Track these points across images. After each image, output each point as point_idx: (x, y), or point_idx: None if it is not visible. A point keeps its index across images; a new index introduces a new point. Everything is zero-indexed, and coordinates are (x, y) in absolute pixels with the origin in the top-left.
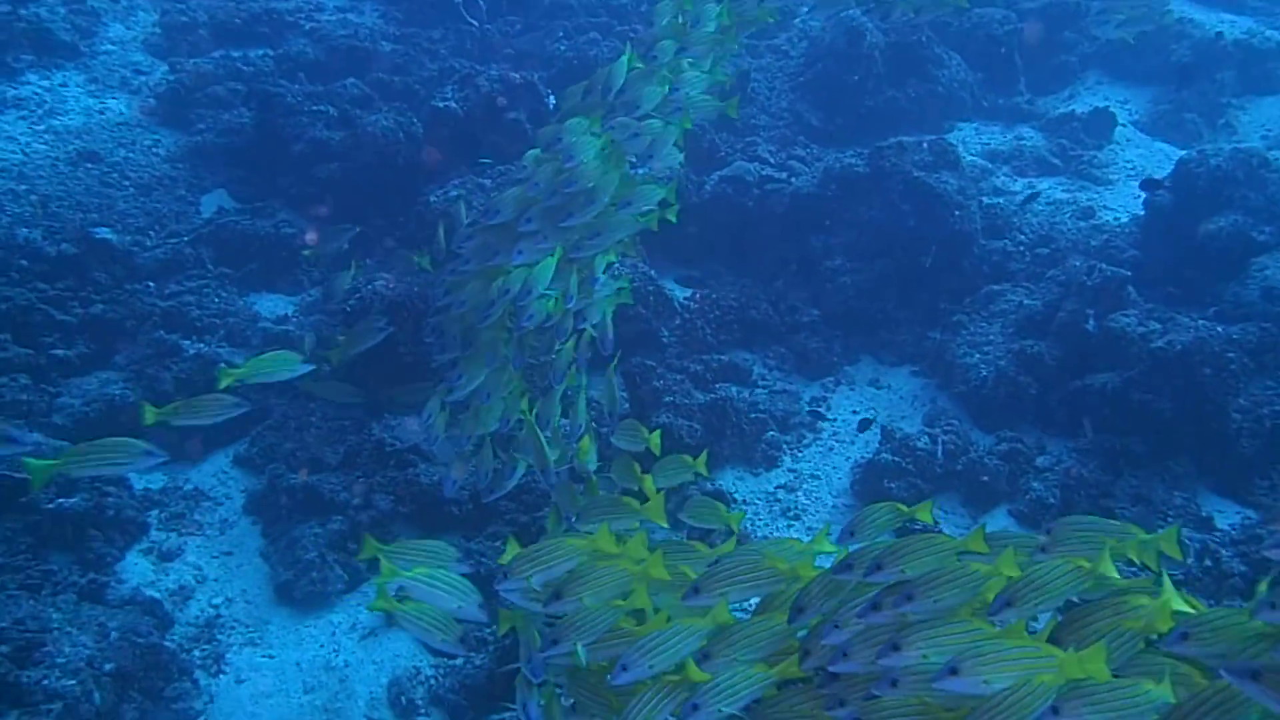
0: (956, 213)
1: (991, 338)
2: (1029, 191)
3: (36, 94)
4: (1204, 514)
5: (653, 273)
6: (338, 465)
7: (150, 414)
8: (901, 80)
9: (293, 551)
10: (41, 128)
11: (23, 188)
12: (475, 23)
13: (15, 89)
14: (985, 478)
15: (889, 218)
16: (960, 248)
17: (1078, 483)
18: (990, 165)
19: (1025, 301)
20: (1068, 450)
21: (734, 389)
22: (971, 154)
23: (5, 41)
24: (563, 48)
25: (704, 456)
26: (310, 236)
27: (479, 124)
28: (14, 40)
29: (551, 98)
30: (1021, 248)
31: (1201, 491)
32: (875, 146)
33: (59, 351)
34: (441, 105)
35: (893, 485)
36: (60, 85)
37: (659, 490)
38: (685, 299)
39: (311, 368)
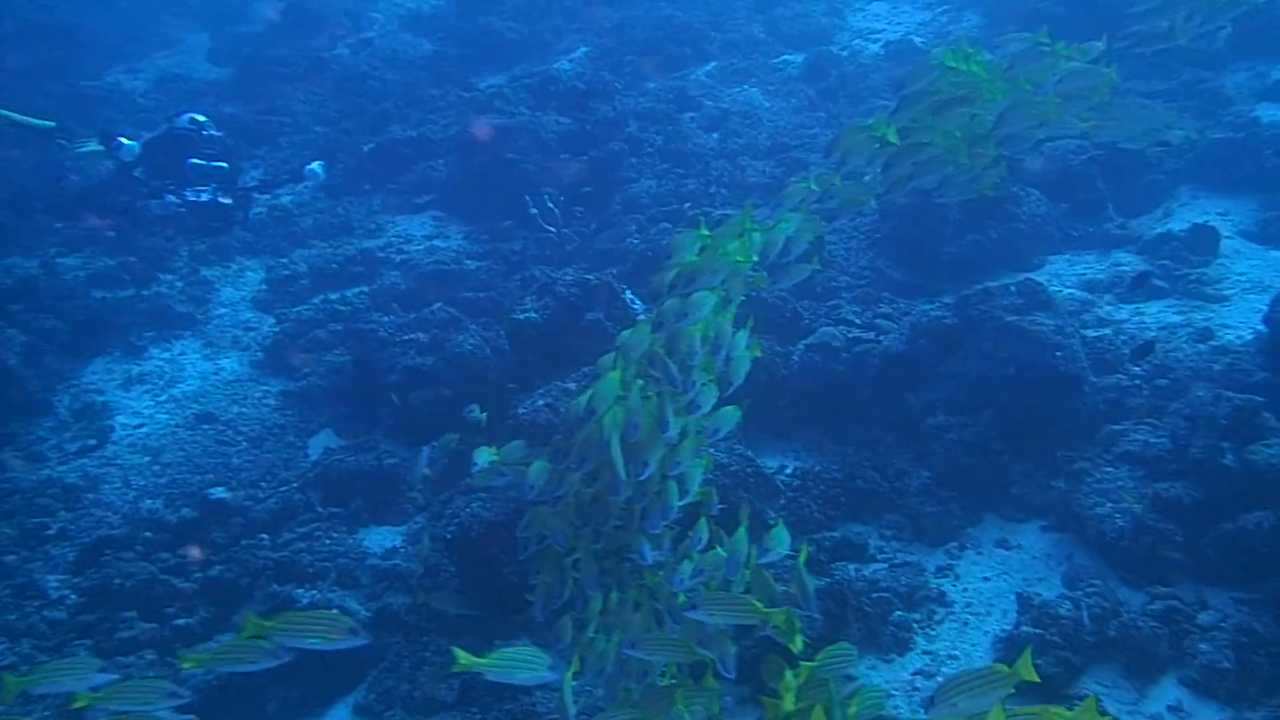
0: (1058, 353)
1: (1121, 483)
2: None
3: (158, 367)
4: None
5: (749, 452)
6: (454, 703)
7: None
8: (980, 224)
9: None
10: (163, 398)
11: (146, 459)
12: (552, 229)
13: (140, 365)
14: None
15: (986, 367)
16: (1069, 389)
17: (1253, 640)
18: (1090, 296)
19: (1151, 440)
20: (1233, 603)
21: (851, 568)
22: (1068, 287)
23: (129, 324)
24: (635, 241)
25: None
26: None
27: (560, 329)
28: (137, 321)
29: (628, 292)
30: (1138, 381)
31: None
32: (961, 295)
33: (181, 621)
34: (522, 317)
35: (1039, 661)
36: (179, 354)
37: None
38: (787, 476)
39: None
